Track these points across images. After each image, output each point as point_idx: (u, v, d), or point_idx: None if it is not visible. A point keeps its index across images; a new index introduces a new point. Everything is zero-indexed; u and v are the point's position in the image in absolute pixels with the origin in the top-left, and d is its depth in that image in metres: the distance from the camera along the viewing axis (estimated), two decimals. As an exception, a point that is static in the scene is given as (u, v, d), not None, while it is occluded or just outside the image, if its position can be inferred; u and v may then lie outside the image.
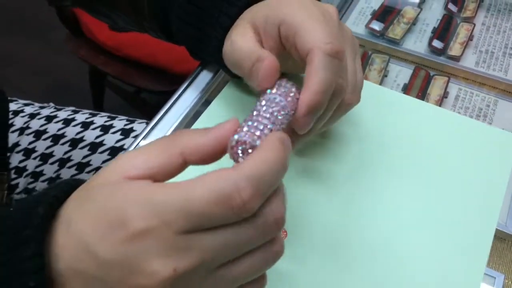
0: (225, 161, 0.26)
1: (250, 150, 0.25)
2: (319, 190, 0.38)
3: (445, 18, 0.57)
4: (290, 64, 0.37)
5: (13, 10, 1.75)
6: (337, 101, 0.33)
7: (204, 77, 0.46)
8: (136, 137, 0.41)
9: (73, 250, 0.23)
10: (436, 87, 0.50)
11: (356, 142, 0.41)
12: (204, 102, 0.44)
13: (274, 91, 0.30)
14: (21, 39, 1.70)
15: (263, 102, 0.29)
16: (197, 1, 0.38)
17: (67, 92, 1.56)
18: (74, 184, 0.25)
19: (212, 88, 0.45)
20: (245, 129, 0.26)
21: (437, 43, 0.54)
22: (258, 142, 0.26)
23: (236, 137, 0.25)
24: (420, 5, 0.59)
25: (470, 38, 0.55)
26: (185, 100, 0.44)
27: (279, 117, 0.29)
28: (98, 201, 0.23)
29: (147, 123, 0.62)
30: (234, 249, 0.23)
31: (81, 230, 0.22)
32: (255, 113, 0.28)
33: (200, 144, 0.24)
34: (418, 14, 0.58)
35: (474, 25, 0.57)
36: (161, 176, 0.24)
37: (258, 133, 0.26)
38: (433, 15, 0.58)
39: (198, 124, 0.41)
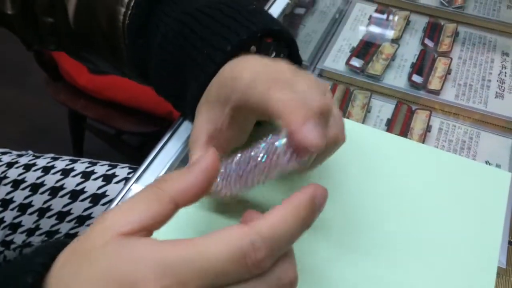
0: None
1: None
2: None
3: (422, 53, 0.59)
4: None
5: (-12, 55, 1.74)
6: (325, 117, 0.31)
7: (187, 126, 0.45)
8: (125, 183, 0.40)
9: None
10: (419, 121, 0.51)
11: (345, 184, 0.41)
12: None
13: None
14: (-3, 83, 1.68)
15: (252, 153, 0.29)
16: (170, 58, 0.38)
17: (45, 136, 1.53)
18: (60, 248, 0.23)
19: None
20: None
21: (416, 78, 0.55)
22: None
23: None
24: (397, 41, 0.60)
25: (448, 72, 0.56)
26: (169, 150, 0.43)
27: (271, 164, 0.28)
28: (101, 264, 0.21)
29: (131, 168, 0.61)
30: None
31: None
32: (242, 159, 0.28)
33: (188, 185, 0.24)
34: (396, 50, 0.59)
35: (451, 59, 0.58)
36: (155, 225, 0.23)
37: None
38: (410, 50, 0.59)
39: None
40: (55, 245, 0.24)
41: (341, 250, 0.37)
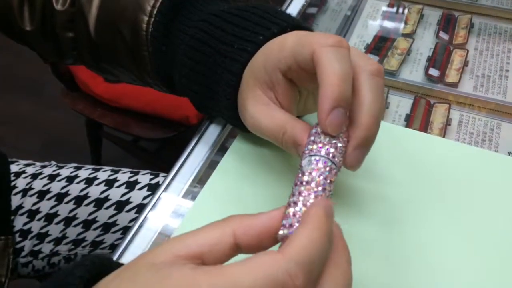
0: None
1: None
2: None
3: (438, 46, 0.58)
4: (303, 105, 0.37)
5: (4, 68, 1.77)
6: (378, 79, 0.31)
7: (213, 130, 0.46)
8: (154, 191, 0.41)
9: None
10: (438, 115, 0.51)
11: (376, 185, 0.41)
12: (218, 150, 0.44)
13: (308, 156, 0.29)
14: (14, 96, 1.71)
15: (305, 178, 0.28)
16: (198, 57, 0.38)
17: (64, 146, 1.56)
18: (97, 262, 0.24)
19: (225, 135, 0.45)
20: (289, 221, 0.25)
21: (433, 71, 0.55)
22: None
23: (281, 233, 0.25)
24: (411, 35, 0.60)
25: (465, 63, 0.56)
26: (200, 149, 0.44)
27: (327, 181, 0.28)
28: (137, 285, 0.22)
29: (152, 174, 0.62)
30: None
31: None
32: (297, 192, 0.27)
33: (253, 224, 0.24)
34: (411, 44, 0.59)
35: (467, 50, 0.57)
36: (211, 256, 0.23)
37: None
38: (425, 44, 0.59)
39: (215, 176, 0.41)
40: (93, 260, 0.24)
41: (378, 246, 0.37)
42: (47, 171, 0.62)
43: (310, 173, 0.28)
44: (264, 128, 0.33)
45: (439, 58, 0.57)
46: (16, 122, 1.64)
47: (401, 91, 0.54)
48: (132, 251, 0.36)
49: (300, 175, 0.28)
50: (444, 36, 0.60)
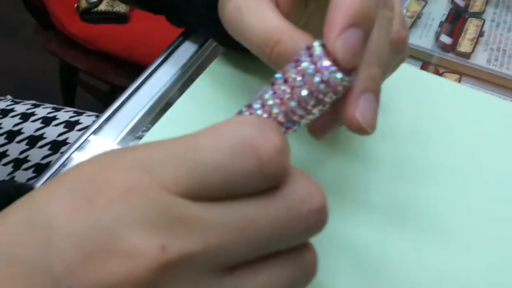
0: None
1: None
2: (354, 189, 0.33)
3: (452, 13, 0.52)
4: (303, 24, 0.29)
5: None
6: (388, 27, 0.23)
7: (187, 48, 0.37)
8: (87, 127, 0.34)
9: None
10: (446, 86, 0.45)
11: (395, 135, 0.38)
12: (186, 80, 0.36)
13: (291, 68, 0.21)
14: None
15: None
16: None
17: (36, 92, 1.47)
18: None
19: (197, 64, 0.37)
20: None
21: (445, 38, 0.49)
22: None
23: None
24: (424, -2, 0.54)
25: (481, 34, 0.50)
26: (160, 77, 0.35)
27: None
28: (73, 172, 0.16)
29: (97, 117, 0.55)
30: (252, 240, 0.16)
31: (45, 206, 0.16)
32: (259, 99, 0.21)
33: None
34: (423, 7, 0.53)
35: (484, 20, 0.52)
36: None
37: None
38: (438, 9, 0.53)
39: (178, 106, 0.34)
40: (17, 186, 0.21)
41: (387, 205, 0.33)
42: (0, 105, 0.55)
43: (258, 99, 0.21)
44: (249, 30, 0.24)
45: (452, 25, 0.51)
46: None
47: (408, 57, 0.48)
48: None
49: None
50: (459, 2, 0.54)
